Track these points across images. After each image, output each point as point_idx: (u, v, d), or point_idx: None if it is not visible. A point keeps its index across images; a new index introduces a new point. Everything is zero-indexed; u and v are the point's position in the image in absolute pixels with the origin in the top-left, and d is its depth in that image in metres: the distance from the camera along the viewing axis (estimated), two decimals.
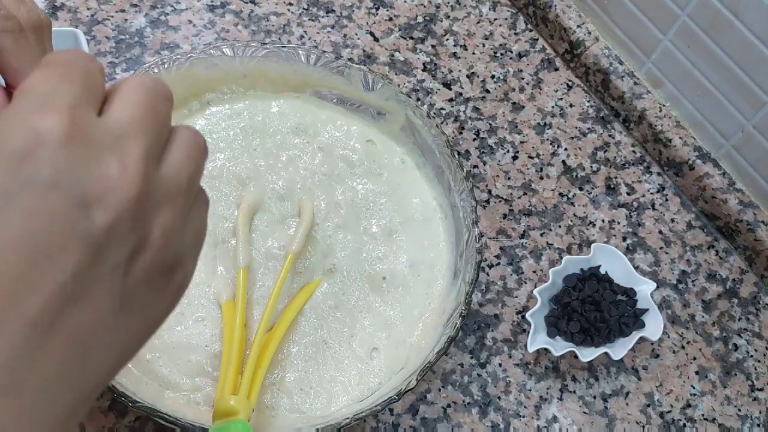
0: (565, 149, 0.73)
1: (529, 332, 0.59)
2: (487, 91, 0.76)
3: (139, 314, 0.24)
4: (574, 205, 0.70)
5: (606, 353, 0.58)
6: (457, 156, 0.57)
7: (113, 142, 0.22)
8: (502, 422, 0.57)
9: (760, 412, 0.62)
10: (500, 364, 0.60)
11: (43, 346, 0.20)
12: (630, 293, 0.62)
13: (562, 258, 0.63)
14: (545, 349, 0.59)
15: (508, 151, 0.72)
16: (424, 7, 0.80)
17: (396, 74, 0.75)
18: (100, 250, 0.21)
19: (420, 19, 0.79)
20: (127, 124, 0.23)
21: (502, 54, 0.79)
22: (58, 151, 0.20)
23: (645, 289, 0.62)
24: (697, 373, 0.63)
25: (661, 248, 0.69)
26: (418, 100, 0.73)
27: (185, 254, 0.25)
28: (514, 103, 0.75)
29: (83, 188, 0.20)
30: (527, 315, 0.59)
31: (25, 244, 0.20)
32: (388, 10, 0.79)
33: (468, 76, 0.76)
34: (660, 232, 0.70)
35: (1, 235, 0.19)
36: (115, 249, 0.21)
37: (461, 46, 0.78)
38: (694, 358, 0.64)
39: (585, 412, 0.59)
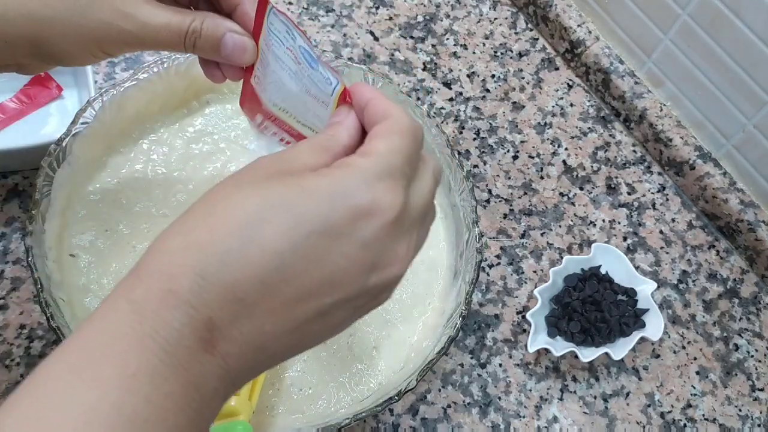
0: (566, 149, 0.73)
1: (529, 332, 0.59)
2: (488, 91, 0.76)
3: (341, 327, 0.31)
4: (574, 205, 0.70)
5: (606, 353, 0.58)
6: (457, 155, 0.57)
7: (410, 227, 0.30)
8: (502, 422, 0.57)
9: (760, 413, 0.62)
10: (500, 364, 0.60)
11: (293, 332, 0.28)
12: (630, 293, 0.61)
13: (562, 258, 0.63)
14: (545, 349, 0.58)
15: (508, 151, 0.72)
16: (424, 6, 0.80)
17: (396, 74, 0.75)
18: (357, 298, 0.29)
19: (420, 19, 0.79)
20: (420, 214, 0.31)
21: (502, 53, 0.79)
22: (385, 226, 0.28)
23: (645, 289, 0.62)
24: (697, 373, 0.63)
25: (661, 248, 0.69)
26: (418, 99, 0.73)
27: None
28: (514, 103, 0.75)
29: (381, 257, 0.28)
30: (527, 315, 0.59)
31: (328, 272, 0.27)
32: (388, 10, 0.79)
33: (468, 76, 0.76)
34: (660, 231, 0.70)
35: (323, 260, 0.27)
36: (365, 299, 0.29)
37: (461, 45, 0.78)
38: (695, 358, 0.64)
39: (585, 413, 0.59)
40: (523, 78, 0.77)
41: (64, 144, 0.52)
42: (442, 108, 0.73)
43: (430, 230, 0.33)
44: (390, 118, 0.31)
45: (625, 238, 0.69)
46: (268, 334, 0.27)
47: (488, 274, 0.64)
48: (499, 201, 0.69)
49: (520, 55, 0.79)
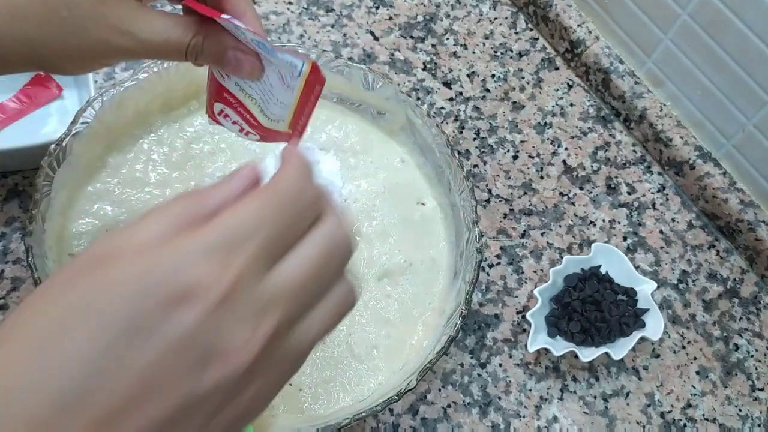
0: (566, 149, 0.73)
1: (529, 332, 0.59)
2: (488, 91, 0.76)
3: None
4: (574, 205, 0.70)
5: (606, 353, 0.58)
6: (457, 155, 0.57)
7: (260, 309, 0.24)
8: (502, 422, 0.57)
9: (760, 412, 0.62)
10: (500, 364, 0.60)
11: None
12: (630, 293, 0.61)
13: (562, 258, 0.63)
14: (545, 349, 0.58)
15: (508, 151, 0.72)
16: (425, 6, 0.80)
17: (396, 73, 0.75)
18: (198, 405, 0.23)
19: (420, 18, 0.79)
20: (283, 291, 0.25)
21: (502, 53, 0.79)
22: (206, 310, 0.23)
23: (645, 288, 0.62)
24: (697, 373, 0.63)
25: (661, 248, 0.69)
26: (418, 99, 0.73)
27: (263, 408, 0.27)
28: (514, 103, 0.75)
29: (209, 349, 0.23)
30: (527, 315, 0.59)
31: (142, 378, 0.22)
32: (388, 9, 0.79)
33: (468, 76, 0.76)
34: (660, 231, 0.70)
35: (133, 365, 0.22)
36: (211, 405, 0.24)
37: (461, 45, 0.78)
38: (695, 358, 0.64)
39: (585, 413, 0.59)
40: (523, 78, 0.77)
41: (64, 144, 0.52)
42: (442, 108, 0.73)
43: (344, 308, 0.27)
44: (277, 173, 0.27)
45: (625, 238, 0.69)
46: None
47: (488, 274, 0.64)
48: (499, 201, 0.69)
49: (520, 55, 0.79)
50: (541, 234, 0.68)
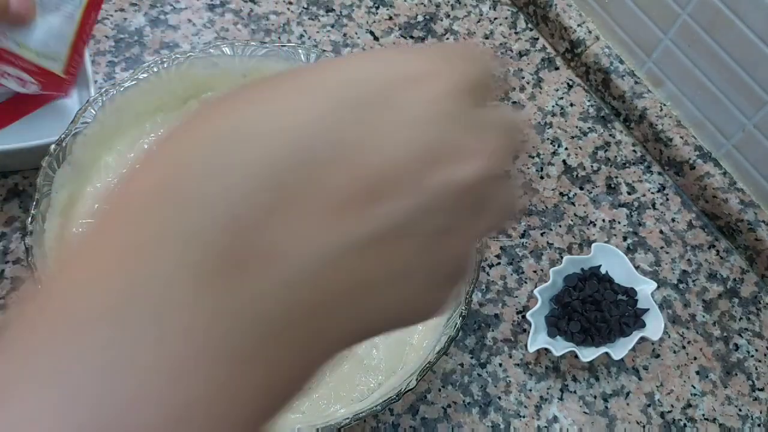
0: (566, 149, 0.73)
1: (529, 332, 0.59)
2: None
3: (407, 286, 0.20)
4: (574, 205, 0.70)
5: (606, 353, 0.58)
6: None
7: (481, 129, 0.21)
8: (502, 422, 0.57)
9: (760, 412, 0.62)
10: (500, 364, 0.60)
11: (327, 271, 0.18)
12: (630, 293, 0.61)
13: (562, 257, 0.63)
14: (546, 349, 0.58)
15: None
16: (425, 6, 0.80)
17: None
18: (418, 214, 0.19)
19: (420, 18, 0.79)
20: (492, 126, 0.21)
21: (502, 53, 0.79)
22: (441, 95, 0.19)
23: (645, 288, 0.62)
24: (697, 373, 0.63)
25: (661, 248, 0.69)
26: None
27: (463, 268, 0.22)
28: (514, 103, 0.75)
29: (439, 142, 0.19)
30: (527, 315, 0.59)
31: (373, 160, 0.18)
32: (388, 9, 0.79)
33: None
34: (661, 231, 0.70)
35: (363, 141, 0.18)
36: (427, 221, 0.19)
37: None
38: (695, 358, 0.64)
39: (585, 412, 0.59)
40: (523, 78, 0.77)
41: (64, 144, 0.52)
42: None
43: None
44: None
45: (625, 238, 0.69)
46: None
47: (488, 274, 0.64)
48: None
49: (520, 54, 0.79)
50: (541, 234, 0.68)
